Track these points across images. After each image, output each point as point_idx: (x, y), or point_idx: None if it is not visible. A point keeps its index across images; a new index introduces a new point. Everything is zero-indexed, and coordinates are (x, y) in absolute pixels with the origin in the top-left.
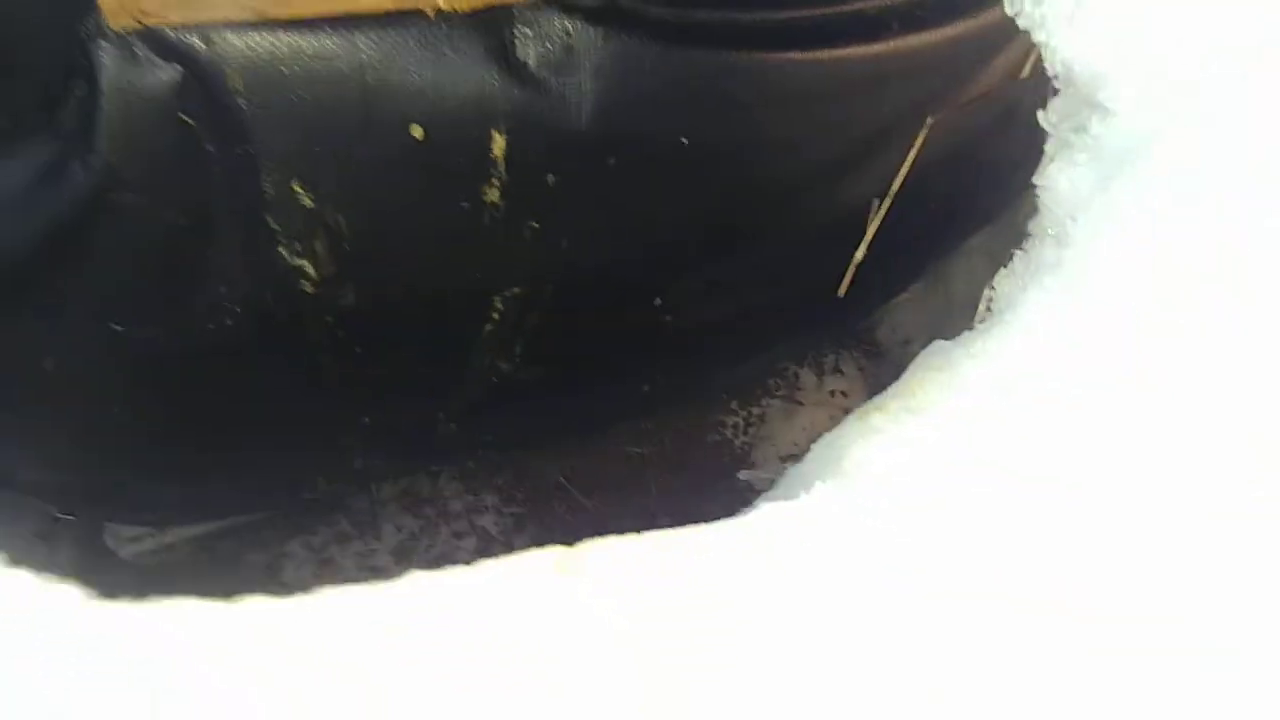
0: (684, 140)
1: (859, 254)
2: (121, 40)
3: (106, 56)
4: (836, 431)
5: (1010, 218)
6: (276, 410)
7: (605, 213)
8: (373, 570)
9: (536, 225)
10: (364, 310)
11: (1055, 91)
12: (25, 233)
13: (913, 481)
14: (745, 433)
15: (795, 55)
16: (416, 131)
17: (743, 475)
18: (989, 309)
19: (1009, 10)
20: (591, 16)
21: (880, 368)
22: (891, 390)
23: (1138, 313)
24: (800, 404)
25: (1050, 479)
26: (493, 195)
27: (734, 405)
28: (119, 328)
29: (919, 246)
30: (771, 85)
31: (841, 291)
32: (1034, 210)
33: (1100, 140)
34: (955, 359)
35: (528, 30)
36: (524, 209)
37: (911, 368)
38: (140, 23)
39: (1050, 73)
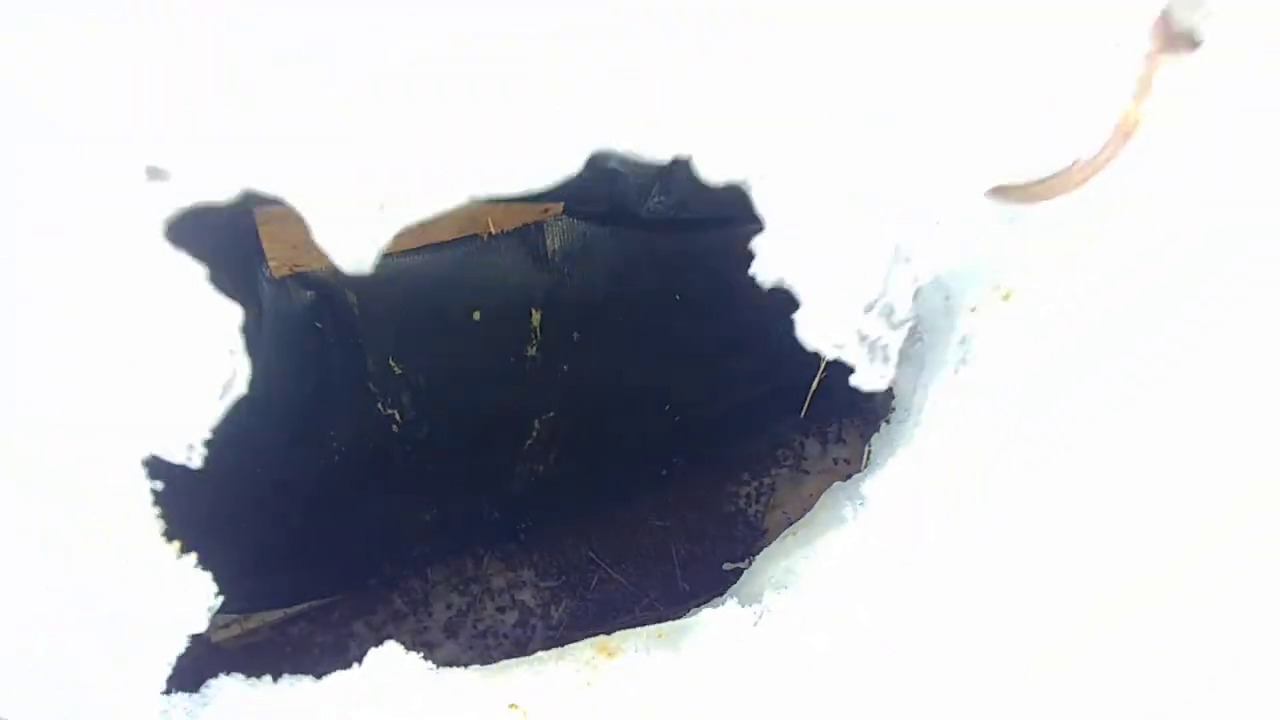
0: (675, 296)
1: (814, 385)
2: (284, 282)
3: (269, 293)
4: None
5: None
6: (358, 514)
7: (620, 356)
8: (425, 645)
9: (566, 368)
10: (435, 439)
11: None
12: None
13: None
14: (757, 501)
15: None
16: (477, 315)
17: (726, 566)
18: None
19: None
20: (599, 219)
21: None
22: (801, 520)
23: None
24: (806, 472)
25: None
26: (532, 351)
27: (745, 477)
28: (264, 465)
29: None
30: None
31: (803, 414)
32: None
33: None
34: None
35: (555, 236)
36: (556, 358)
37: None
38: (295, 270)
39: None
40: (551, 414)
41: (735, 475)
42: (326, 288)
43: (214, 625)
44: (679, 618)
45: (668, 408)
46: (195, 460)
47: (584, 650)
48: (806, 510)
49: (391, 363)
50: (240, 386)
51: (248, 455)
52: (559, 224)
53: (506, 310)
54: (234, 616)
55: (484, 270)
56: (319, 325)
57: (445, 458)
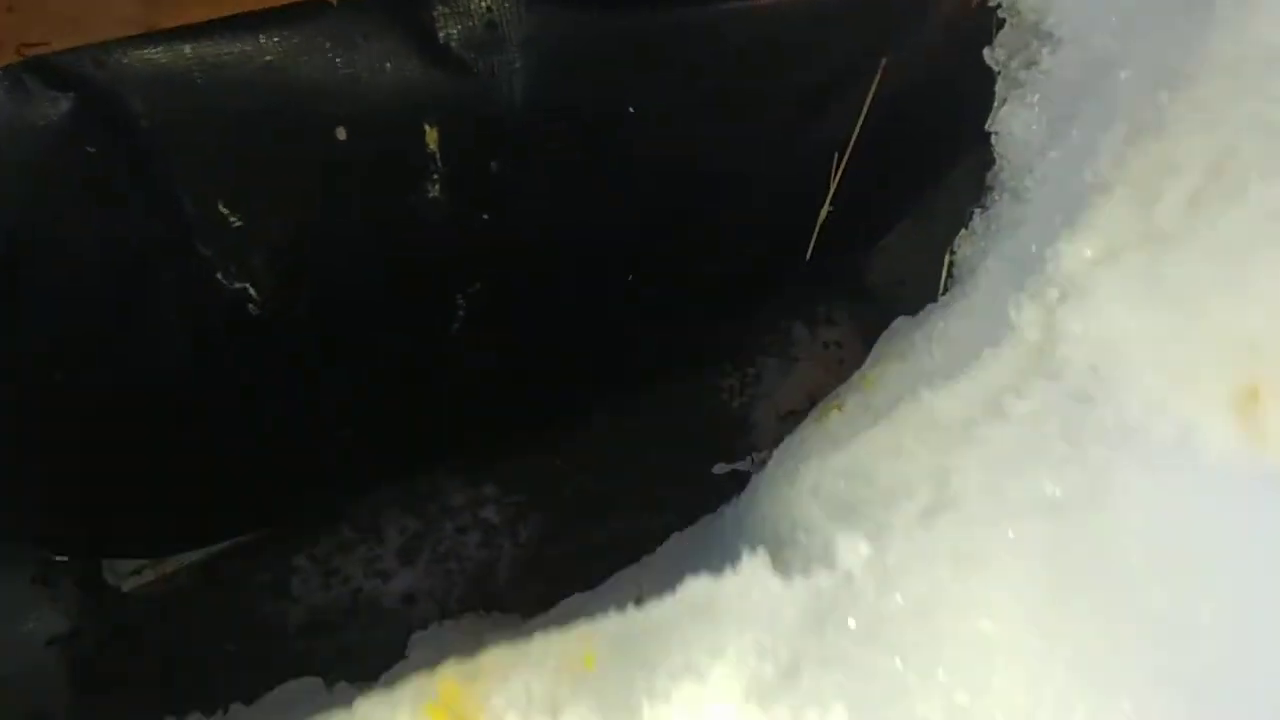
0: (630, 109)
1: (822, 214)
2: (12, 76)
3: None
4: (792, 440)
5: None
6: (251, 431)
7: (557, 193)
8: (380, 575)
9: (487, 216)
10: (319, 323)
11: (1001, 23)
12: None
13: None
14: (742, 394)
15: (729, 5)
16: (341, 133)
17: (716, 470)
18: (950, 275)
19: None
20: None
21: (873, 312)
22: (852, 380)
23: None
24: (795, 359)
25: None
26: (435, 190)
27: (728, 368)
28: (60, 378)
29: (899, 184)
30: (707, 39)
31: (808, 255)
32: (990, 160)
33: (1051, 76)
34: (915, 342)
35: (445, 8)
36: (471, 201)
37: (872, 353)
38: (25, 54)
39: (992, 1)
40: (477, 285)
41: (716, 366)
42: (91, 86)
43: (120, 573)
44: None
45: (630, 276)
46: None
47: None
48: (797, 401)
49: (223, 209)
50: None
51: (45, 364)
52: None
53: (386, 125)
54: (143, 562)
55: (343, 61)
56: (89, 150)
57: (340, 348)
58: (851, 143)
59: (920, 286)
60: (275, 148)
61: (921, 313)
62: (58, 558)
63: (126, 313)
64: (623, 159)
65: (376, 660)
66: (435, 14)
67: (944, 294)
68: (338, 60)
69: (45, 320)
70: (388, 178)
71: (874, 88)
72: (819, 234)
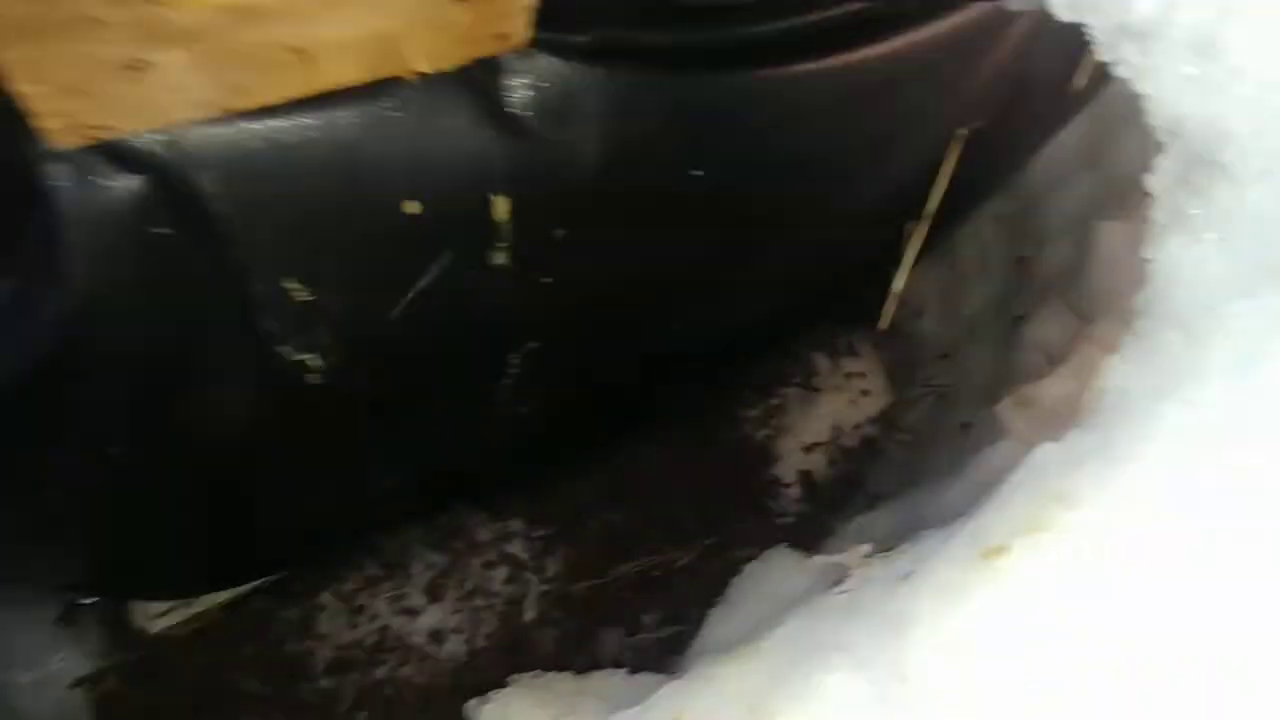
0: (695, 172)
1: (898, 284)
2: (79, 158)
3: (63, 178)
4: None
5: (1018, 181)
6: (291, 480)
7: (618, 255)
8: (408, 612)
9: (549, 280)
10: (376, 386)
11: (1158, 147)
12: (6, 370)
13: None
14: (765, 425)
15: (802, 66)
16: (410, 207)
17: (817, 560)
18: (1097, 402)
19: (1105, 57)
20: (585, 55)
21: (894, 343)
22: (999, 520)
23: None
24: (817, 390)
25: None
26: (500, 259)
27: (751, 398)
28: (115, 450)
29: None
30: (781, 101)
31: (883, 325)
32: (1142, 284)
33: (1232, 217)
34: (1076, 483)
35: (519, 80)
36: (534, 266)
37: (1015, 488)
38: (96, 138)
39: (1152, 126)
40: (532, 344)
41: (739, 397)
42: (163, 170)
43: (148, 615)
44: (687, 559)
45: (674, 326)
46: None
47: None
48: (821, 433)
49: (292, 285)
50: None
51: (100, 433)
52: (527, 64)
53: (456, 197)
54: (171, 604)
55: (415, 135)
56: (160, 230)
57: (395, 409)
58: (931, 210)
59: (939, 320)
60: (344, 224)
61: (1067, 442)
62: (85, 600)
63: (186, 383)
64: (685, 218)
65: (408, 696)
66: (509, 84)
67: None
68: (410, 135)
69: (106, 394)
70: (455, 248)
71: (953, 158)
72: (855, 274)
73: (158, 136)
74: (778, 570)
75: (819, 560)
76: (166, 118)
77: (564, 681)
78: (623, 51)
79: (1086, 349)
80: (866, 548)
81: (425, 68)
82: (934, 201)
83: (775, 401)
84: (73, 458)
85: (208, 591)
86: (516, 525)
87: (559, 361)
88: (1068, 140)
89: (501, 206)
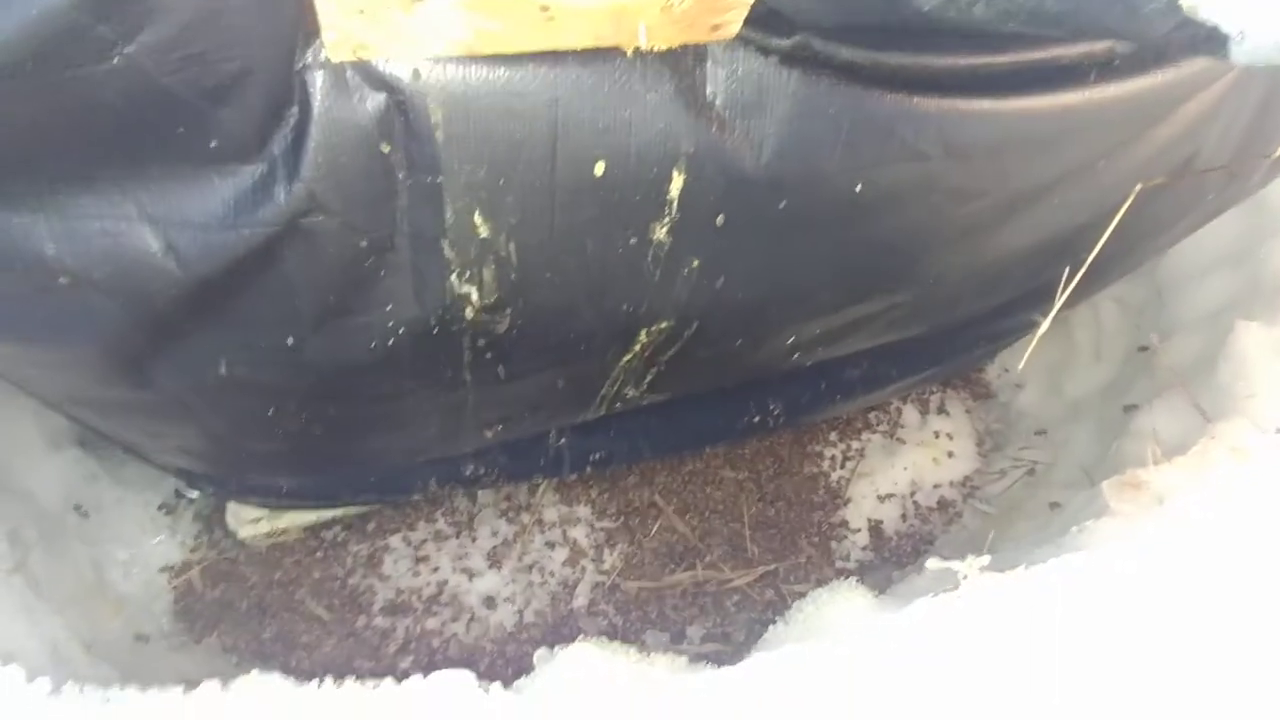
0: (858, 187)
1: (1044, 326)
2: (337, 70)
3: (321, 85)
4: None
5: (1147, 269)
6: (410, 418)
7: (765, 254)
8: (466, 571)
9: (697, 264)
10: (516, 337)
11: None
12: (222, 252)
13: None
14: (843, 466)
15: (985, 104)
16: (599, 168)
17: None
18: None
19: None
20: (785, 58)
21: (988, 411)
22: None
23: None
24: (902, 442)
25: None
26: (661, 233)
27: (833, 438)
28: (291, 341)
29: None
30: (956, 134)
31: (1020, 366)
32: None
33: None
34: None
35: (720, 70)
36: (689, 247)
37: None
38: (359, 56)
39: None
40: (664, 324)
41: (822, 434)
42: (403, 94)
43: (240, 519)
44: (742, 581)
45: (791, 339)
46: None
47: None
48: (896, 484)
49: (478, 218)
50: None
51: (281, 324)
52: (731, 56)
53: (641, 167)
54: (262, 513)
55: (618, 103)
56: (385, 149)
57: (523, 363)
58: (1089, 260)
59: (1041, 397)
60: (538, 171)
61: None
62: (190, 493)
63: (365, 291)
64: (837, 231)
65: (452, 651)
66: (709, 73)
67: None
68: (614, 103)
69: (298, 288)
70: (625, 214)
71: (1122, 211)
72: (966, 328)
73: (408, 65)
74: (842, 601)
75: (931, 564)
76: (422, 50)
77: (629, 652)
78: (819, 60)
79: (1207, 445)
80: (984, 559)
81: (645, 44)
82: (1096, 248)
83: (857, 445)
84: (230, 343)
85: (295, 509)
86: (584, 512)
87: (678, 349)
88: (1210, 234)
89: (676, 182)
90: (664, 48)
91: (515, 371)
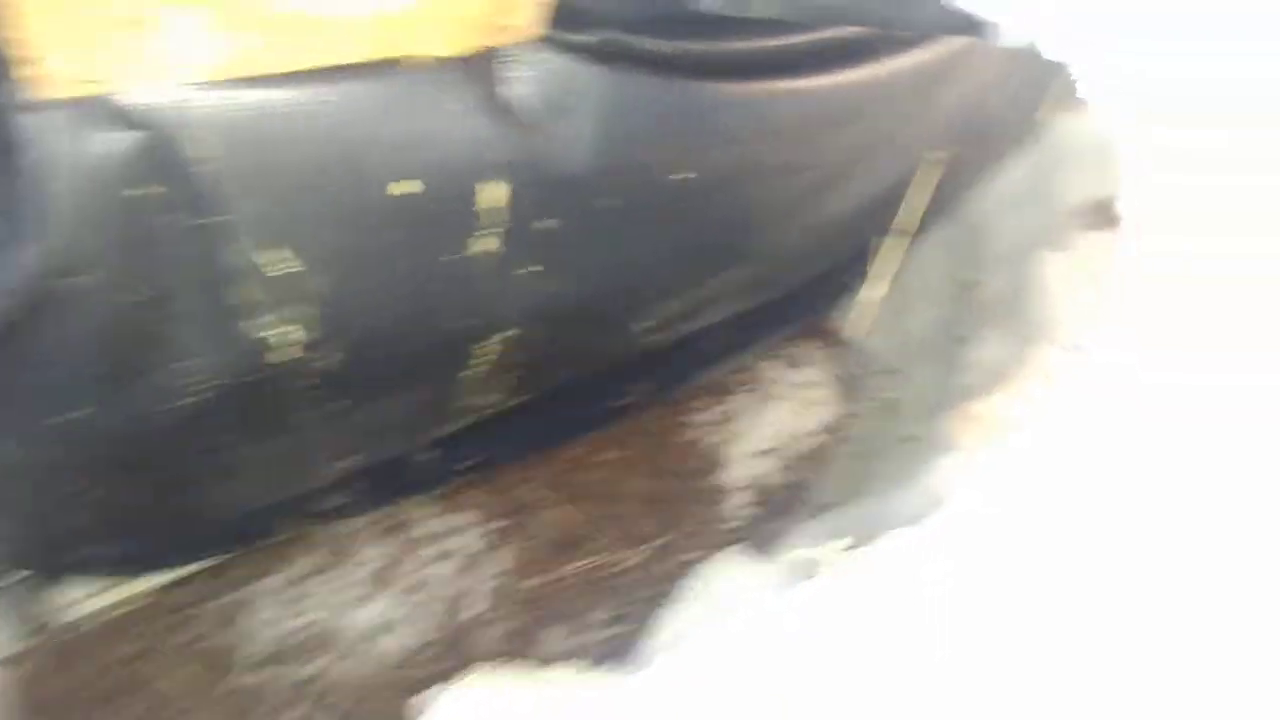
0: (684, 174)
1: (871, 294)
2: (69, 108)
3: (50, 127)
4: None
5: (963, 212)
6: (245, 466)
7: (604, 249)
8: (347, 603)
9: (535, 269)
10: (345, 370)
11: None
12: None
13: None
14: (717, 431)
15: (790, 84)
16: (403, 186)
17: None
18: None
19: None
20: (591, 53)
21: (843, 356)
22: None
23: None
24: (767, 398)
25: None
26: (489, 244)
27: (703, 404)
28: (79, 412)
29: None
30: (768, 115)
31: (854, 333)
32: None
33: None
34: None
35: (523, 72)
36: (522, 253)
37: None
38: (92, 90)
39: None
40: (509, 333)
41: (692, 403)
42: (158, 128)
43: (76, 595)
44: (636, 559)
45: (644, 324)
46: None
47: None
48: (769, 439)
49: (273, 254)
50: None
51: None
52: (533, 57)
53: (451, 180)
54: (103, 584)
55: (417, 116)
56: (143, 192)
57: (361, 391)
58: (907, 230)
59: (887, 337)
60: (335, 199)
61: None
62: (17, 573)
63: (149, 352)
64: (668, 218)
65: (343, 692)
66: (512, 76)
67: None
68: (410, 116)
69: (66, 356)
70: (447, 230)
71: (928, 180)
72: (810, 285)
73: (154, 96)
74: (728, 572)
75: (791, 555)
76: (167, 78)
77: (516, 675)
78: (626, 55)
79: (1026, 373)
80: (844, 541)
81: (434, 51)
82: (911, 220)
83: (726, 408)
84: (20, 419)
85: (141, 574)
86: (468, 518)
87: (528, 353)
88: (1015, 172)
89: (497, 193)
90: (458, 54)
91: (353, 403)
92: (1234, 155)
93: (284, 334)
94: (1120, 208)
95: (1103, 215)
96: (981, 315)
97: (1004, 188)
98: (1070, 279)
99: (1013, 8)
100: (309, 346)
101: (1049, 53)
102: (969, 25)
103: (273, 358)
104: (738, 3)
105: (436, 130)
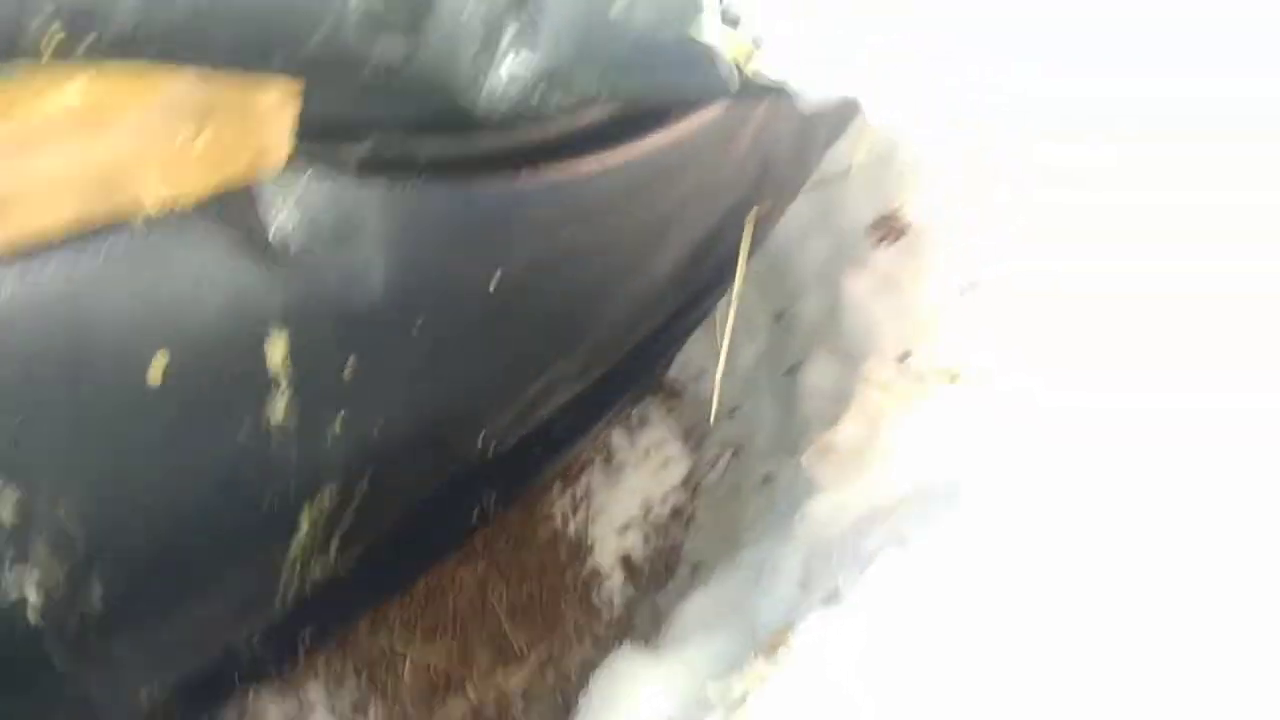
0: (495, 278)
1: (719, 372)
2: None
3: None
4: None
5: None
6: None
7: (421, 378)
8: None
9: (343, 418)
10: (125, 599)
11: None
12: None
13: None
14: (575, 515)
15: (590, 162)
16: (158, 365)
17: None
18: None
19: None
20: (363, 167)
21: (682, 408)
22: None
23: None
24: (620, 468)
25: None
26: (278, 410)
27: (557, 491)
28: None
29: (710, 295)
30: (570, 198)
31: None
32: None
33: None
34: None
35: (286, 204)
36: (325, 407)
37: None
38: None
39: None
40: (329, 490)
41: (545, 493)
42: None
43: None
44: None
45: (479, 442)
46: None
47: None
48: (629, 510)
49: None
50: None
51: None
52: (294, 186)
53: (218, 347)
54: None
55: (160, 281)
56: None
57: (152, 616)
58: (737, 290)
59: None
60: (69, 400)
61: None
62: None
63: None
64: (491, 326)
65: None
66: (271, 210)
67: None
68: (148, 283)
69: None
70: (219, 409)
71: (747, 240)
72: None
73: None
74: (625, 679)
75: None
76: None
77: None
78: (401, 165)
79: (863, 389)
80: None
81: (161, 201)
82: (739, 280)
83: (581, 488)
84: None
85: None
86: (316, 693)
87: (356, 507)
88: (803, 203)
89: (277, 347)
90: (195, 200)
91: (148, 629)
92: (1121, 171)
93: (20, 593)
94: (907, 217)
95: (892, 228)
96: (803, 342)
97: (795, 218)
98: (873, 291)
99: (884, 27)
100: (62, 598)
101: (846, 95)
102: (769, 91)
103: (26, 618)
104: (522, 104)
105: (188, 290)
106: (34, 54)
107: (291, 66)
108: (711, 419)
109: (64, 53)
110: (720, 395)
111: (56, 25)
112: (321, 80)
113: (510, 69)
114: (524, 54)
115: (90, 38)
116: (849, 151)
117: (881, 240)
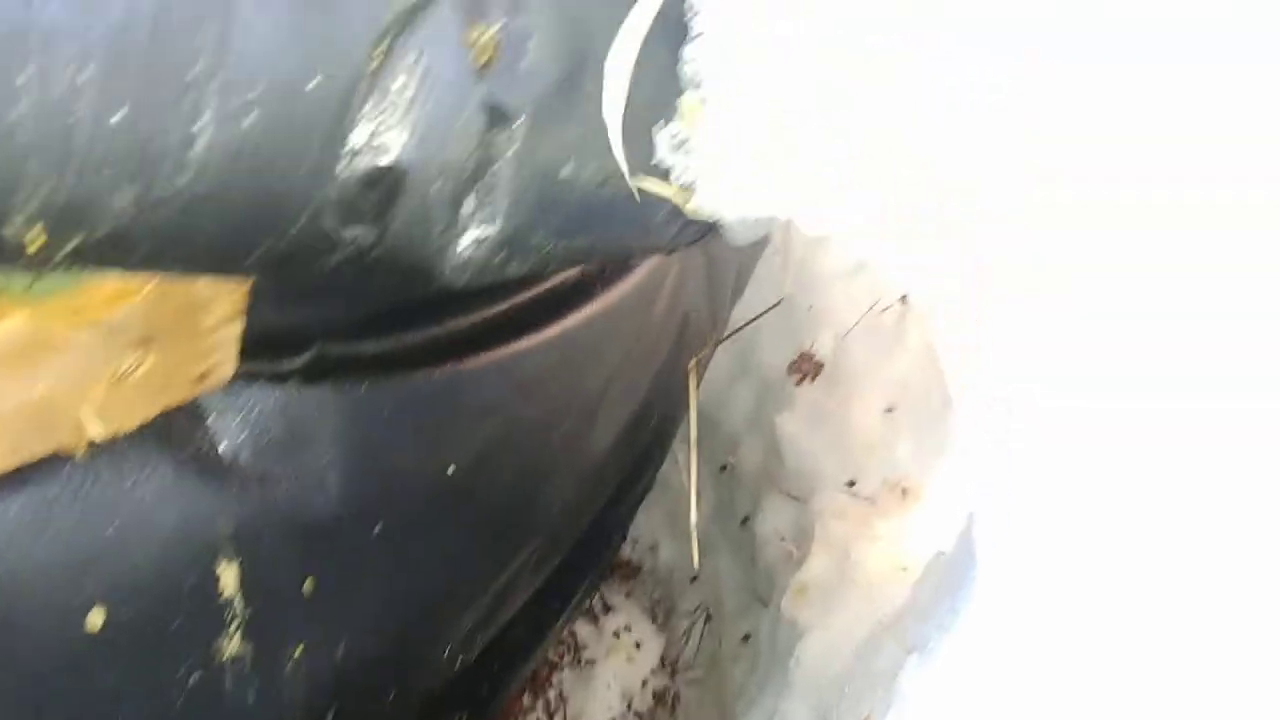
0: (450, 469)
1: (694, 518)
2: None
3: None
4: None
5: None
6: None
7: (380, 587)
8: None
9: (302, 647)
10: None
11: None
12: None
13: None
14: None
15: (529, 339)
16: (97, 617)
17: None
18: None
19: None
20: (306, 376)
21: (643, 585)
22: None
23: None
24: (591, 662)
25: None
26: (233, 645)
27: (528, 702)
28: None
29: (653, 461)
30: (514, 376)
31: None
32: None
33: None
34: None
35: (231, 419)
36: (282, 635)
37: None
38: None
39: None
40: None
41: (516, 705)
42: None
43: None
44: None
45: (447, 650)
46: None
47: None
48: (610, 706)
49: None
50: None
51: None
52: (237, 400)
53: (165, 583)
54: None
55: (98, 519)
56: None
57: None
58: (694, 441)
59: (674, 547)
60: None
61: None
62: None
63: None
64: (451, 517)
65: None
66: (215, 426)
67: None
68: (92, 520)
69: None
70: (171, 648)
71: (694, 387)
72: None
73: None
74: None
75: None
76: None
77: None
78: (346, 365)
79: (821, 523)
80: None
81: (100, 434)
82: (693, 432)
83: (553, 694)
84: None
85: None
86: None
87: None
88: (722, 353)
89: (229, 576)
90: (131, 426)
91: None
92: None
93: None
94: (818, 355)
95: (805, 368)
96: (751, 490)
97: (718, 369)
98: (807, 428)
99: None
100: None
101: (758, 226)
102: (706, 231)
103: None
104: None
105: (130, 527)
106: (12, 257)
107: (270, 258)
108: (695, 564)
109: (45, 256)
110: (698, 543)
111: (39, 227)
112: (289, 274)
113: (474, 236)
114: (483, 224)
115: (77, 239)
116: (762, 294)
117: (802, 379)
